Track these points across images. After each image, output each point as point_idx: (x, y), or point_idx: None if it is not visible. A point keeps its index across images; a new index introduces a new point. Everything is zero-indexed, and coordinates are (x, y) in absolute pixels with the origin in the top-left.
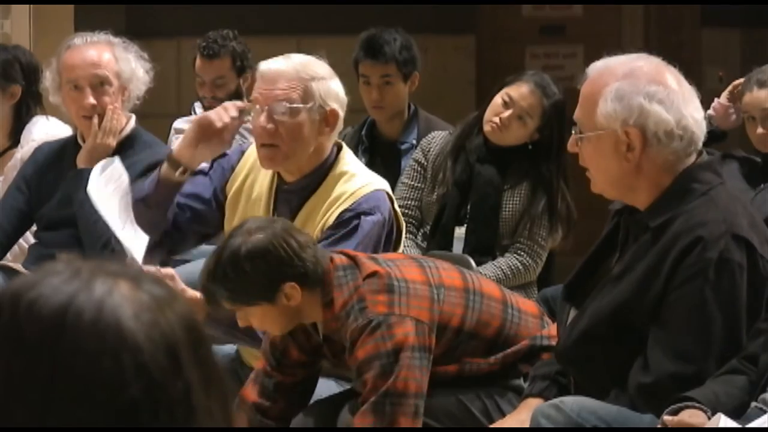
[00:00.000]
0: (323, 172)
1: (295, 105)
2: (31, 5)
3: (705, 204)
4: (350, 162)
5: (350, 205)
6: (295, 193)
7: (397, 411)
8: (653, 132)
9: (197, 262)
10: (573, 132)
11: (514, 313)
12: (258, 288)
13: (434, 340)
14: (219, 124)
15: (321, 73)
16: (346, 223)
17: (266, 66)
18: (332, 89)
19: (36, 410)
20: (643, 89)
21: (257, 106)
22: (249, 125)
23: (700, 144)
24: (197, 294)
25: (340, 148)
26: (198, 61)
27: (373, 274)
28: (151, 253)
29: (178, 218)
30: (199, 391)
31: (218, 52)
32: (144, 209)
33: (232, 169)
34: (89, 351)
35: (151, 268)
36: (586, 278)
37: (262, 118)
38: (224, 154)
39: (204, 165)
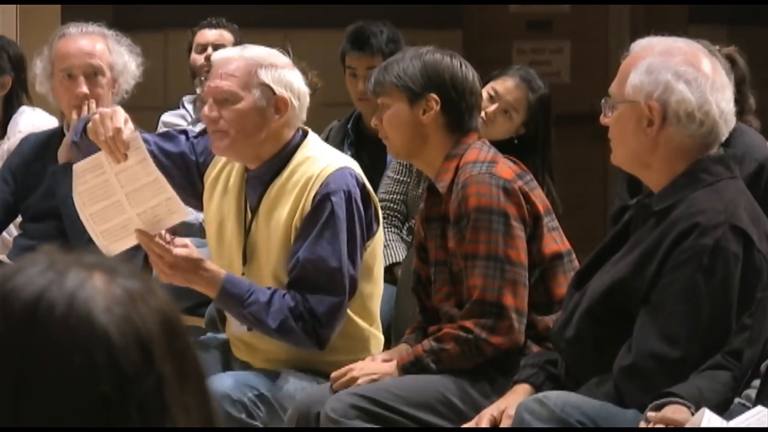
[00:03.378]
0: (285, 156)
1: (234, 90)
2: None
3: (708, 193)
4: (313, 147)
5: (318, 188)
6: (258, 179)
7: (504, 276)
8: (674, 110)
9: None
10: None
11: None
12: (414, 79)
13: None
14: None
15: (271, 61)
16: (320, 207)
17: (217, 54)
18: (284, 77)
19: (6, 404)
20: (673, 67)
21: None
22: None
23: (722, 137)
24: (216, 268)
25: (306, 135)
26: (198, 35)
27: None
28: None
29: None
30: (174, 386)
31: (218, 25)
32: (77, 152)
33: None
34: (60, 345)
35: (167, 236)
36: (596, 268)
37: (206, 108)
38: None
39: (191, 128)
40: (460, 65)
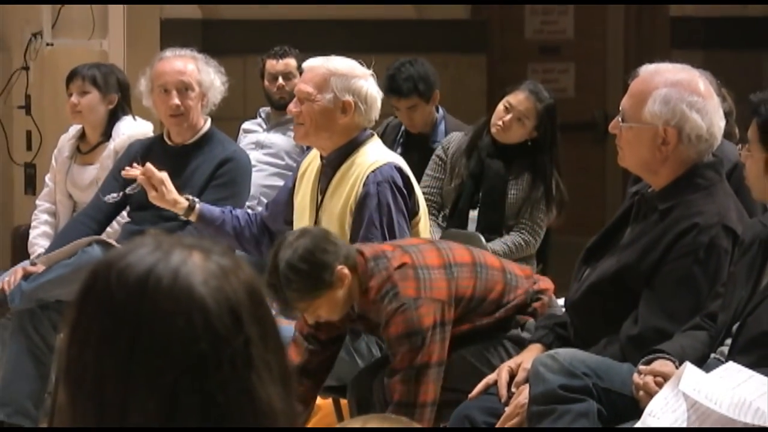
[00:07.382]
0: (351, 149)
1: (311, 91)
2: (125, 29)
3: (705, 197)
4: (373, 147)
5: (367, 178)
6: (328, 165)
7: (421, 379)
8: (687, 134)
9: None
10: (619, 118)
11: (511, 277)
12: (318, 279)
13: (452, 312)
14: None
15: (342, 70)
16: (369, 195)
17: (307, 62)
18: (352, 84)
19: (123, 360)
20: (687, 98)
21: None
22: None
23: (715, 147)
24: None
25: (372, 136)
26: (267, 64)
27: (402, 265)
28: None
29: (254, 224)
30: (258, 345)
31: (285, 54)
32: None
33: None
34: (166, 312)
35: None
36: (602, 246)
37: (291, 104)
38: None
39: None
40: None
